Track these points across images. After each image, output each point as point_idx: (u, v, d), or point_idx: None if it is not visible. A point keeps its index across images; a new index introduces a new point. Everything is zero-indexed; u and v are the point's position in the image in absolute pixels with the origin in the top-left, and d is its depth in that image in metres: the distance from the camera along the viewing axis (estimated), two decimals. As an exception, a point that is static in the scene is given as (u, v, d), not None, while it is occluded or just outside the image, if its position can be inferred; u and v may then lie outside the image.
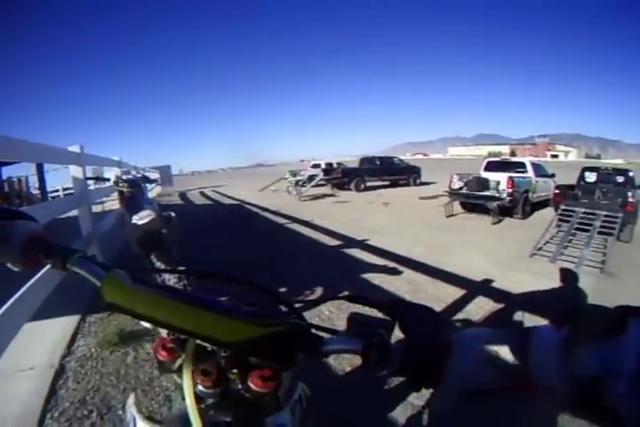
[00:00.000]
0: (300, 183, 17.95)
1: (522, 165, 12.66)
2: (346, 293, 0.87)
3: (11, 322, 2.05)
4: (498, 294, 4.65)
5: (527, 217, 11.21)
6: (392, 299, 0.72)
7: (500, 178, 11.18)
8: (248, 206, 14.66)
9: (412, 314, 0.66)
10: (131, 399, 0.95)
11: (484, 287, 4.97)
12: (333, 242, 7.70)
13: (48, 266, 0.82)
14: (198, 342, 0.72)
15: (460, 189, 11.63)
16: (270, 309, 0.80)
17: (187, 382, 0.69)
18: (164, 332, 0.80)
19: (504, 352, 0.58)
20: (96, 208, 5.62)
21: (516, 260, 6.47)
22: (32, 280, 2.51)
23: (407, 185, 21.85)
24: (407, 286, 4.95)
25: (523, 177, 11.72)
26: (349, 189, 19.58)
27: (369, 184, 20.18)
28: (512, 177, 11.05)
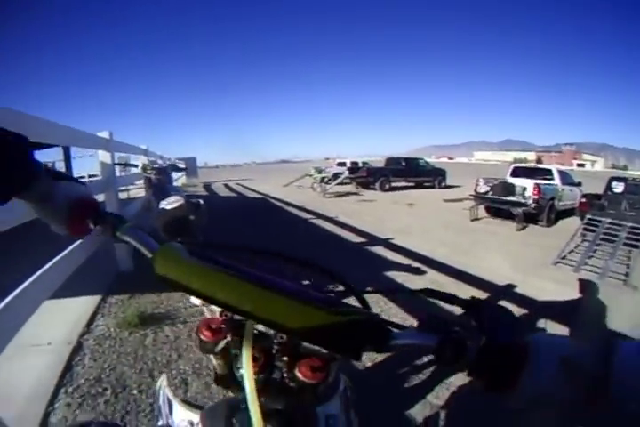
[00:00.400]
0: (325, 180, 17.90)
1: (549, 172, 12.51)
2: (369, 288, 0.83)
3: (31, 298, 2.04)
4: (521, 300, 4.57)
5: (552, 225, 11.02)
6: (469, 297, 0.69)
7: (527, 184, 11.03)
8: (272, 201, 14.66)
9: (489, 312, 0.61)
10: (163, 381, 0.94)
11: (507, 292, 4.90)
12: (358, 239, 7.65)
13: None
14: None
15: (486, 193, 11.52)
16: (335, 296, 0.73)
17: (247, 367, 0.64)
18: (208, 311, 0.80)
19: (583, 363, 0.52)
20: (122, 195, 5.66)
21: (540, 267, 6.34)
22: (55, 258, 2.52)
23: (432, 187, 21.70)
24: (430, 285, 4.78)
25: (549, 184, 11.56)
26: (374, 189, 19.45)
27: (394, 184, 20.08)
28: (539, 184, 10.92)
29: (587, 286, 5.43)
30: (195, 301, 0.73)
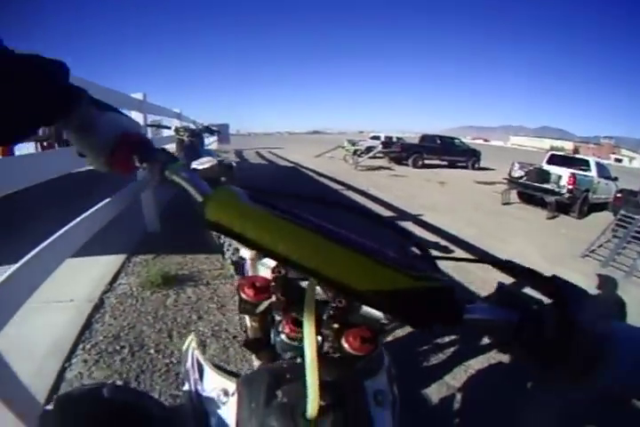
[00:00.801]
0: (358, 153, 17.75)
1: (586, 162, 12.19)
2: None
3: (56, 253, 2.02)
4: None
5: (583, 217, 10.80)
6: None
7: (563, 173, 10.76)
8: (303, 170, 14.59)
9: (571, 293, 0.53)
10: (192, 342, 0.87)
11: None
12: (387, 213, 7.59)
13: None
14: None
15: (520, 178, 11.29)
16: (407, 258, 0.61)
17: (309, 333, 0.57)
18: (251, 268, 0.76)
19: None
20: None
21: (568, 258, 6.26)
22: (83, 215, 2.50)
23: (465, 168, 21.36)
24: (456, 267, 4.78)
25: (585, 175, 11.26)
26: (406, 165, 19.17)
27: (426, 162, 19.75)
28: (575, 173, 10.64)
29: (605, 283, 5.37)
30: (245, 253, 0.67)
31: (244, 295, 0.65)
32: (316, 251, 0.50)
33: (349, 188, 10.43)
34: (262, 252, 0.52)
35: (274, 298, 0.64)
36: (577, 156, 13.58)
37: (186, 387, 0.78)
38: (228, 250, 3.15)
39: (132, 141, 0.80)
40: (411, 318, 0.50)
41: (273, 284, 0.63)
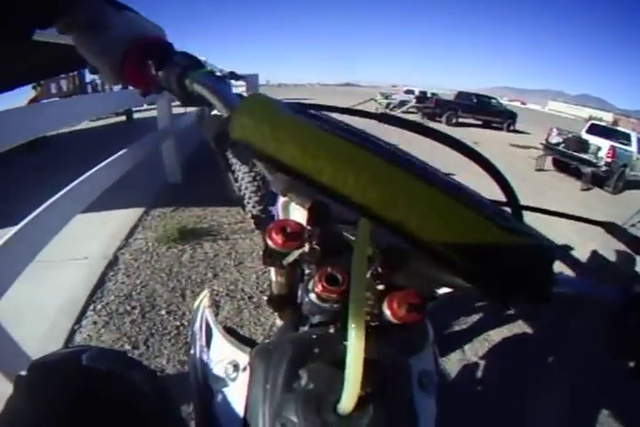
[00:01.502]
0: (391, 107, 17.40)
1: (627, 136, 11.59)
2: None
3: (63, 210, 1.94)
4: (575, 264, 4.32)
5: (617, 193, 10.30)
6: None
7: (602, 144, 10.36)
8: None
9: None
10: (205, 299, 0.74)
11: (563, 253, 4.46)
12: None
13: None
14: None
15: (558, 144, 10.91)
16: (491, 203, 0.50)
17: (355, 292, 0.41)
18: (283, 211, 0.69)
19: None
20: (179, 110, 5.47)
21: (600, 233, 6.01)
22: (100, 165, 2.42)
23: (500, 129, 20.73)
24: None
25: (625, 149, 10.78)
26: (439, 122, 18.66)
27: (461, 120, 19.27)
28: (615, 146, 10.23)
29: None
30: (275, 187, 0.53)
31: (270, 242, 0.51)
32: (378, 181, 0.38)
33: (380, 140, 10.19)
34: (305, 180, 0.40)
35: (306, 247, 0.50)
36: (619, 128, 13.03)
37: (192, 351, 0.66)
38: (248, 203, 3.02)
39: (149, 44, 0.66)
40: (491, 286, 0.39)
41: (308, 228, 0.50)
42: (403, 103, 17.76)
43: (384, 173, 0.38)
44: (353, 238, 0.49)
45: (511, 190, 0.53)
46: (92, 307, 2.38)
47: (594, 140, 10.69)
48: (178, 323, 2.28)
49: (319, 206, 0.48)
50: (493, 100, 21.55)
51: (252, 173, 3.00)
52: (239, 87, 12.47)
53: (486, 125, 20.62)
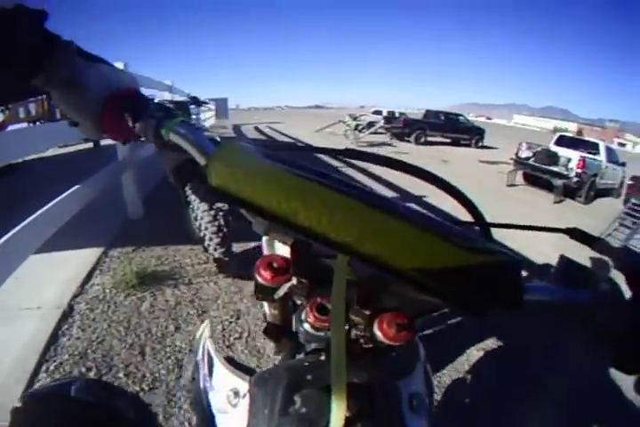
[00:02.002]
0: (359, 128, 17.46)
1: (595, 146, 11.88)
2: None
3: (10, 254, 1.80)
4: (545, 273, 4.37)
5: (589, 203, 10.55)
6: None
7: (572, 155, 10.47)
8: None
9: None
10: (206, 330, 0.77)
11: (542, 270, 4.56)
12: (389, 193, 7.34)
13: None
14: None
15: (528, 159, 10.99)
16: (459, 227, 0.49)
17: (335, 321, 0.46)
18: (267, 246, 0.71)
19: None
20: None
21: (575, 246, 6.00)
22: (51, 203, 2.28)
23: (468, 146, 21.09)
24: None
25: (594, 159, 10.98)
26: (408, 141, 18.90)
27: (429, 139, 19.49)
28: (584, 157, 10.35)
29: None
30: (257, 228, 0.57)
31: (259, 278, 0.55)
32: (349, 219, 0.41)
33: (350, 165, 10.15)
34: (282, 222, 0.42)
35: (294, 281, 0.54)
36: (587, 138, 13.34)
37: (195, 381, 0.71)
38: (209, 245, 2.85)
39: (124, 97, 0.69)
40: (467, 302, 0.41)
41: (293, 263, 0.53)
42: (371, 124, 17.83)
43: (354, 211, 0.41)
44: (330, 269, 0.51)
45: (477, 211, 0.60)
46: (44, 368, 2.14)
47: (563, 152, 10.83)
48: (137, 388, 2.05)
49: (300, 244, 0.50)
50: (461, 118, 21.93)
51: (212, 212, 2.82)
52: (207, 112, 12.32)
53: (455, 143, 20.91)
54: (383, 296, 0.51)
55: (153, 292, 2.93)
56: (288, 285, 0.54)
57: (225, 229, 2.83)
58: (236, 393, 0.57)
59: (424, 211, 0.49)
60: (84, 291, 2.93)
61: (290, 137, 17.54)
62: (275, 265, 0.54)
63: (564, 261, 0.55)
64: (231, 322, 2.64)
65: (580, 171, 10.01)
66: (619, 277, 0.50)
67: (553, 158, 10.53)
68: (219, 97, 26.12)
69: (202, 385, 0.66)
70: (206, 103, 6.35)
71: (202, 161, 0.58)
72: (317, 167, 0.47)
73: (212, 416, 0.59)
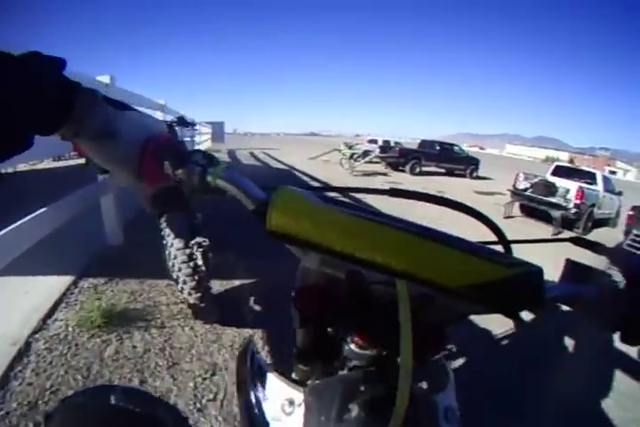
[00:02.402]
0: (355, 157, 17.39)
1: (592, 175, 11.76)
2: None
3: None
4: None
5: (587, 233, 10.34)
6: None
7: (570, 186, 10.31)
8: (297, 173, 14.18)
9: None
10: (250, 347, 0.79)
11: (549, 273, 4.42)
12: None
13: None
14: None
15: (525, 190, 10.83)
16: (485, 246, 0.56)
17: (405, 341, 0.47)
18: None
19: None
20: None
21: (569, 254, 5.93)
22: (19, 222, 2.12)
23: (463, 176, 21.11)
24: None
25: (592, 189, 10.82)
26: (403, 171, 18.87)
27: (424, 169, 19.48)
28: (582, 187, 10.17)
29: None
30: (309, 263, 0.60)
31: (300, 308, 0.61)
32: (405, 249, 0.47)
33: (345, 195, 9.95)
34: (343, 257, 0.48)
35: (343, 307, 0.60)
36: (583, 168, 13.23)
37: (243, 396, 0.72)
38: (183, 289, 2.54)
39: (161, 145, 0.67)
40: (503, 306, 0.48)
41: (348, 291, 0.58)
42: (366, 153, 17.78)
43: (408, 242, 0.47)
44: (380, 294, 0.57)
45: (501, 232, 0.69)
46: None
47: (561, 183, 10.67)
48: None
49: (355, 274, 0.57)
50: (456, 148, 21.96)
51: (187, 251, 2.52)
52: (203, 135, 12.14)
53: (450, 173, 20.91)
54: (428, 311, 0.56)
55: (120, 334, 2.61)
56: (335, 312, 0.60)
57: (202, 270, 2.53)
58: (291, 402, 0.61)
59: (460, 235, 0.52)
60: (46, 326, 2.62)
61: (285, 164, 17.45)
62: (314, 295, 0.60)
63: (570, 262, 0.66)
64: (205, 378, 2.32)
65: (578, 202, 9.84)
66: (615, 271, 0.60)
67: (551, 189, 10.36)
68: (215, 120, 26.25)
69: (253, 397, 0.68)
70: (193, 125, 5.96)
71: (250, 206, 0.58)
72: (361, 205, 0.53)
73: (267, 424, 0.63)
